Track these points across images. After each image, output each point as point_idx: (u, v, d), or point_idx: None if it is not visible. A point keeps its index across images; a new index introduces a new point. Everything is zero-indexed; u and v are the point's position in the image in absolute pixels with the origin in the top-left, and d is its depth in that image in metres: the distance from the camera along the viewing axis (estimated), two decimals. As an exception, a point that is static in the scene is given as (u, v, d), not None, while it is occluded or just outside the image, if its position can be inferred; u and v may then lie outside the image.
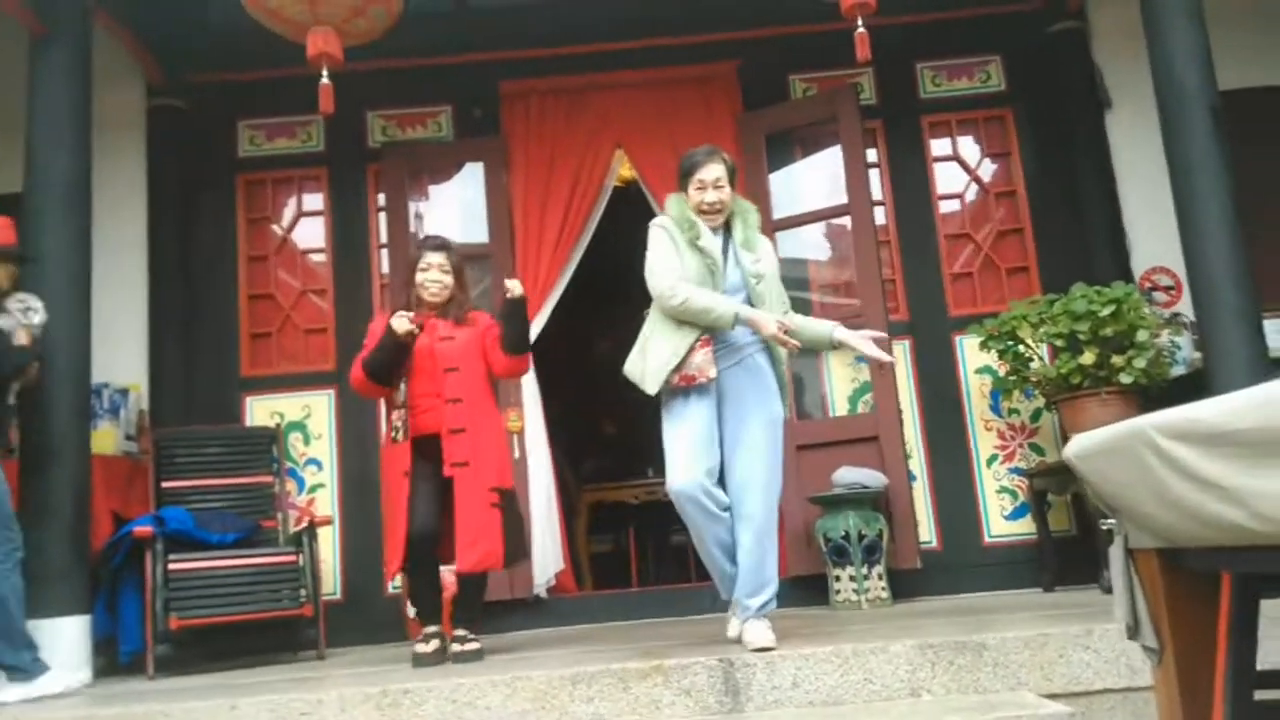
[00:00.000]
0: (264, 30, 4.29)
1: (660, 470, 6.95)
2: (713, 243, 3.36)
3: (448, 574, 3.76)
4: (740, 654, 3.00)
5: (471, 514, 3.56)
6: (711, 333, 3.27)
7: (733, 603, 3.37)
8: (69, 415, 4.12)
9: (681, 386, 3.26)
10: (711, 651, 3.09)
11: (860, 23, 4.16)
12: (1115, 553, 1.92)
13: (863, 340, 3.35)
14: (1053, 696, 2.83)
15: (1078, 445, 1.90)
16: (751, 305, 3.32)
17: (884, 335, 3.51)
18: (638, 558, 7.04)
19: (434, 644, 3.59)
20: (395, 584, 5.13)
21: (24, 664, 3.56)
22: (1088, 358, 4.50)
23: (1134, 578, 1.90)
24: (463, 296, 3.81)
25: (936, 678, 2.94)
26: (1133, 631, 1.89)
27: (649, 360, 3.31)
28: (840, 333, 3.37)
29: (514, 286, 3.66)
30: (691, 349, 3.25)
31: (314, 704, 2.90)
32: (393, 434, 3.71)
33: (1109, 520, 1.99)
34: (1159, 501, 1.58)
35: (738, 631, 3.30)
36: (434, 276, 3.73)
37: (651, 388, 3.30)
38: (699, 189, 3.35)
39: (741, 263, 3.37)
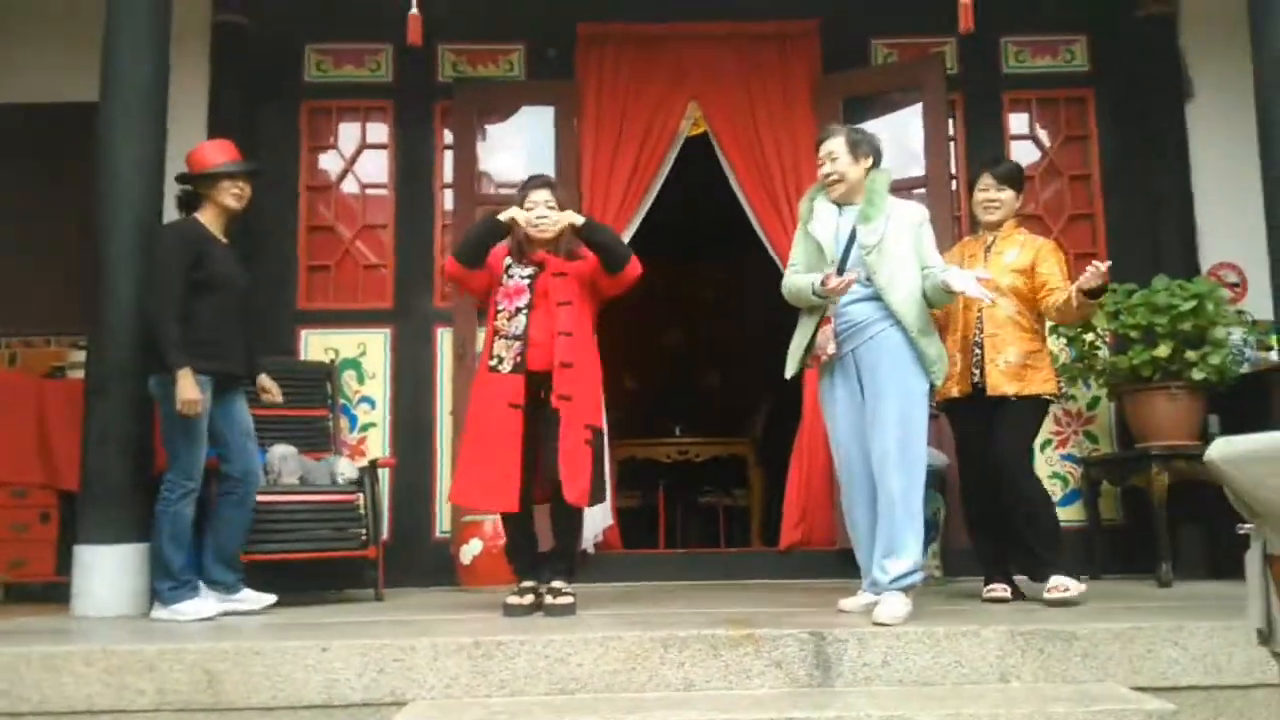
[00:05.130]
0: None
1: (688, 430, 7.00)
2: (825, 227, 3.44)
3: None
4: (832, 628, 2.99)
5: (572, 447, 3.52)
6: (834, 312, 3.39)
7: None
8: (130, 338, 4.01)
9: (814, 367, 3.51)
10: (801, 624, 3.08)
11: (967, -9, 4.07)
12: (1253, 557, 1.93)
13: (967, 281, 3.33)
14: (1138, 690, 2.84)
15: (1228, 448, 1.87)
16: (868, 278, 3.35)
17: (987, 275, 3.50)
18: (665, 517, 7.02)
19: (528, 598, 3.56)
20: (444, 528, 5.11)
21: (229, 581, 3.81)
22: (1162, 351, 4.47)
23: (1270, 583, 1.89)
24: (571, 232, 3.70)
25: (1025, 665, 2.94)
26: (1265, 637, 1.91)
27: (791, 348, 3.55)
28: (948, 277, 3.34)
29: (563, 219, 3.61)
30: (817, 329, 3.41)
31: (406, 650, 2.87)
32: (493, 362, 3.62)
33: (1246, 525, 1.99)
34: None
35: (852, 605, 3.38)
36: (541, 213, 3.65)
37: (788, 371, 3.55)
38: (819, 165, 3.48)
39: (857, 237, 3.39)
